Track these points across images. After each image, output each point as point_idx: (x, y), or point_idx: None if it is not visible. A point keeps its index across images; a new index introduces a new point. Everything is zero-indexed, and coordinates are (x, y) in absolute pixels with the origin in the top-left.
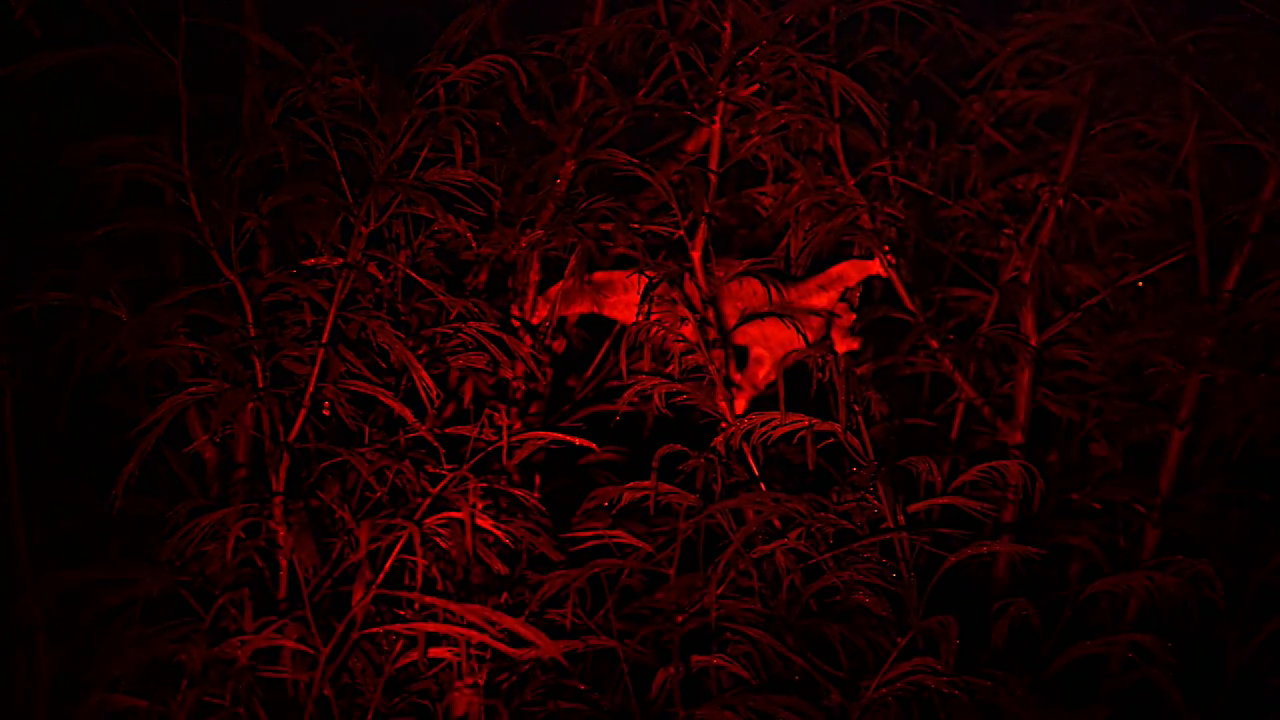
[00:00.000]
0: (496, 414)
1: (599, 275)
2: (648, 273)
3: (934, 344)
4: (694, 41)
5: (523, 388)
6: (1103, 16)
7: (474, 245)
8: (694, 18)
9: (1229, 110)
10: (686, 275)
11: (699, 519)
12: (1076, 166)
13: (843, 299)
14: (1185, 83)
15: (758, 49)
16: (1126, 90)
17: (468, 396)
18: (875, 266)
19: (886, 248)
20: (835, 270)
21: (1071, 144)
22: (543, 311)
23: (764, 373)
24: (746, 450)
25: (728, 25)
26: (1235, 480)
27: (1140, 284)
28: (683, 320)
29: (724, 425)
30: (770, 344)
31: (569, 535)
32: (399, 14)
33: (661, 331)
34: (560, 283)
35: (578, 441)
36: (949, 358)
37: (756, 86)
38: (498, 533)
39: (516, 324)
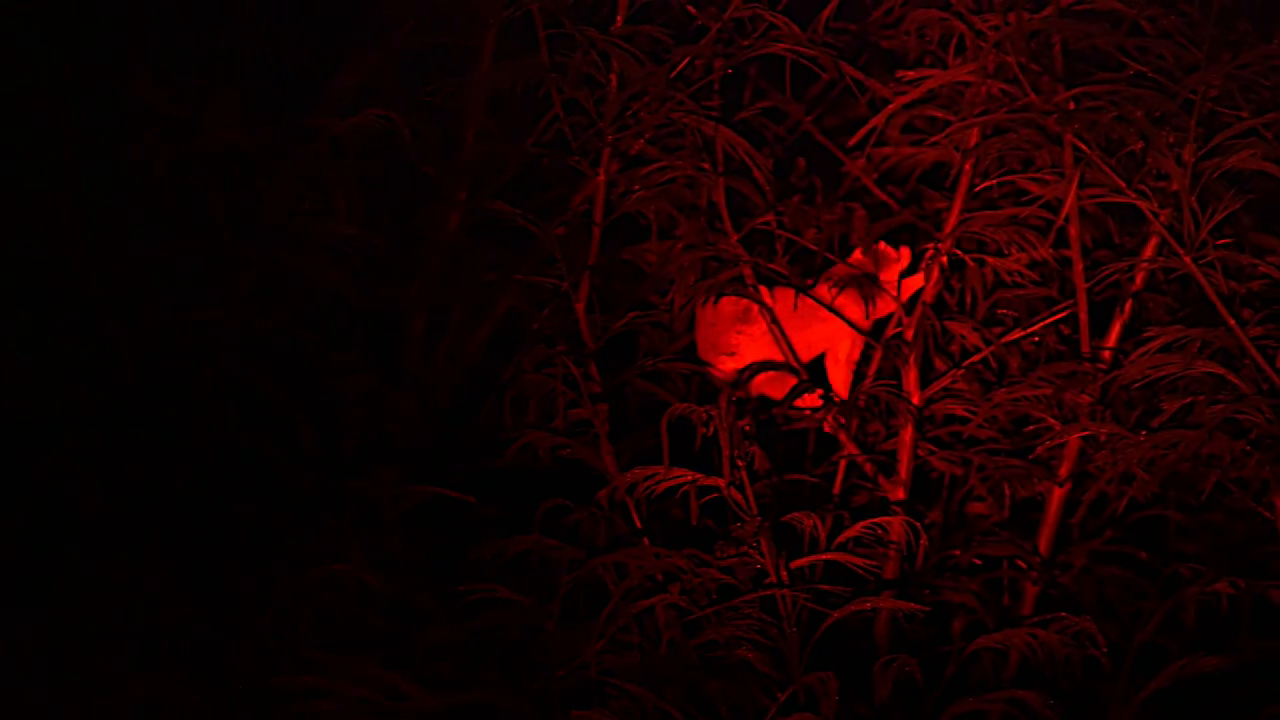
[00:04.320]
0: (380, 468)
1: None
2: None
3: (818, 399)
4: (583, 86)
5: (407, 441)
6: (985, 74)
7: (358, 299)
8: (580, 69)
9: (1111, 168)
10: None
11: (581, 573)
12: (960, 223)
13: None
14: (1067, 140)
15: (645, 100)
16: (1010, 148)
17: (351, 449)
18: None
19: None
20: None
21: (955, 201)
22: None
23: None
24: (630, 504)
25: (614, 77)
26: (1116, 538)
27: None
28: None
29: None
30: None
31: (452, 589)
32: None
33: (549, 384)
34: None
35: (460, 496)
36: (832, 413)
37: (643, 142)
38: (380, 587)
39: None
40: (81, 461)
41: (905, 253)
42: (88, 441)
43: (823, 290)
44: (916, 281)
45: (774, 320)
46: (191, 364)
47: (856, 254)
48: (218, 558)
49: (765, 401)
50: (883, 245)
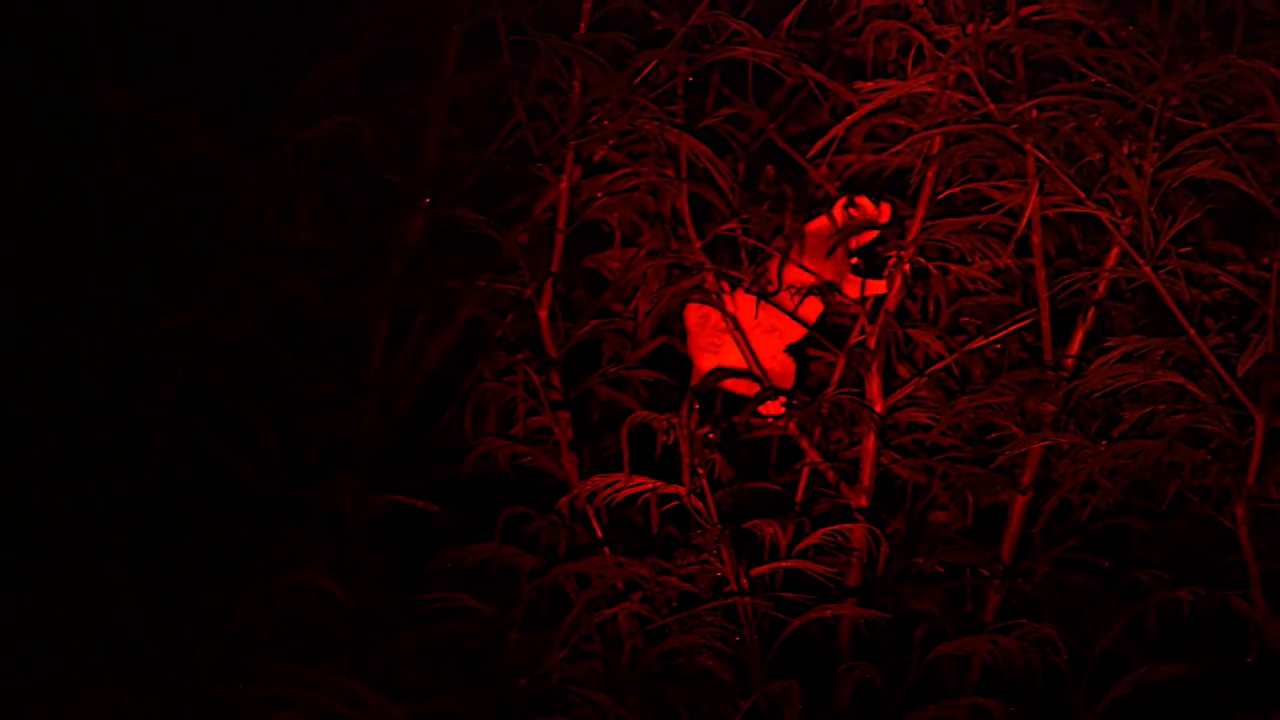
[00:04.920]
0: (342, 475)
1: None
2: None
3: (779, 407)
4: (546, 93)
5: (369, 448)
6: (945, 84)
7: (320, 306)
8: (543, 76)
9: (1072, 177)
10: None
11: (542, 581)
12: (923, 230)
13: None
14: (1028, 149)
15: (607, 106)
16: (972, 155)
17: (313, 457)
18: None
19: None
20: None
21: (918, 208)
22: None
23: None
24: (590, 512)
25: (576, 84)
26: (1078, 546)
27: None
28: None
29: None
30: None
31: (413, 597)
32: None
33: (510, 392)
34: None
35: (421, 504)
36: (794, 421)
37: (604, 150)
38: (341, 595)
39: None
40: (46, 467)
41: (886, 209)
42: (52, 447)
43: (785, 298)
44: (879, 288)
45: (737, 327)
46: (155, 370)
47: (837, 208)
48: (181, 564)
49: (728, 409)
50: (862, 199)
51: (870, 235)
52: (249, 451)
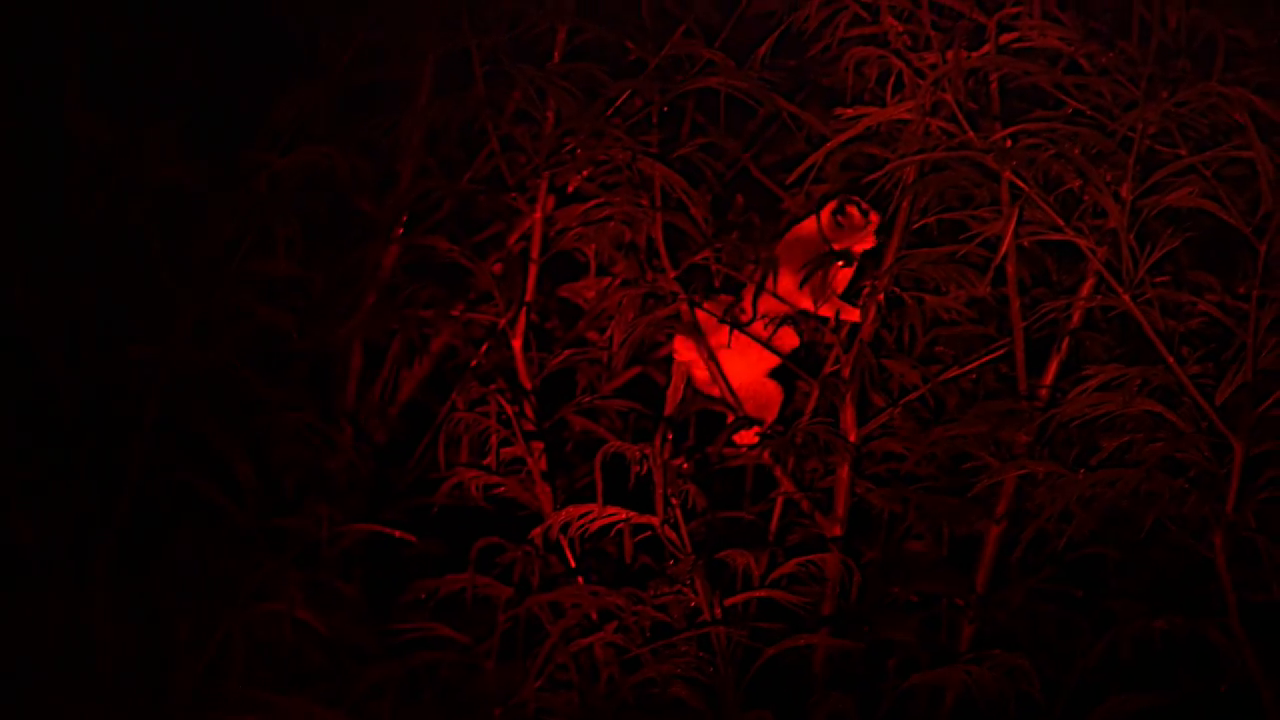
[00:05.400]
0: (317, 505)
1: None
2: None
3: (753, 436)
4: (520, 123)
5: (344, 478)
6: (923, 112)
7: (295, 335)
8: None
9: (1049, 206)
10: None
11: (517, 611)
12: (897, 260)
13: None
14: (1005, 178)
15: (581, 136)
16: (948, 185)
17: (289, 487)
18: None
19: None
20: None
21: (893, 238)
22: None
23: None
24: (565, 542)
25: (550, 114)
26: (1054, 576)
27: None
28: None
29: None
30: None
31: (388, 627)
32: None
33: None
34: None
35: (397, 534)
36: (768, 451)
37: (578, 180)
38: (317, 624)
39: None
40: (21, 496)
41: (875, 217)
42: (27, 476)
43: (758, 327)
44: (854, 316)
45: (711, 356)
46: (131, 400)
47: (825, 213)
48: (156, 594)
49: (702, 438)
50: (851, 208)
51: (861, 246)
52: (226, 481)
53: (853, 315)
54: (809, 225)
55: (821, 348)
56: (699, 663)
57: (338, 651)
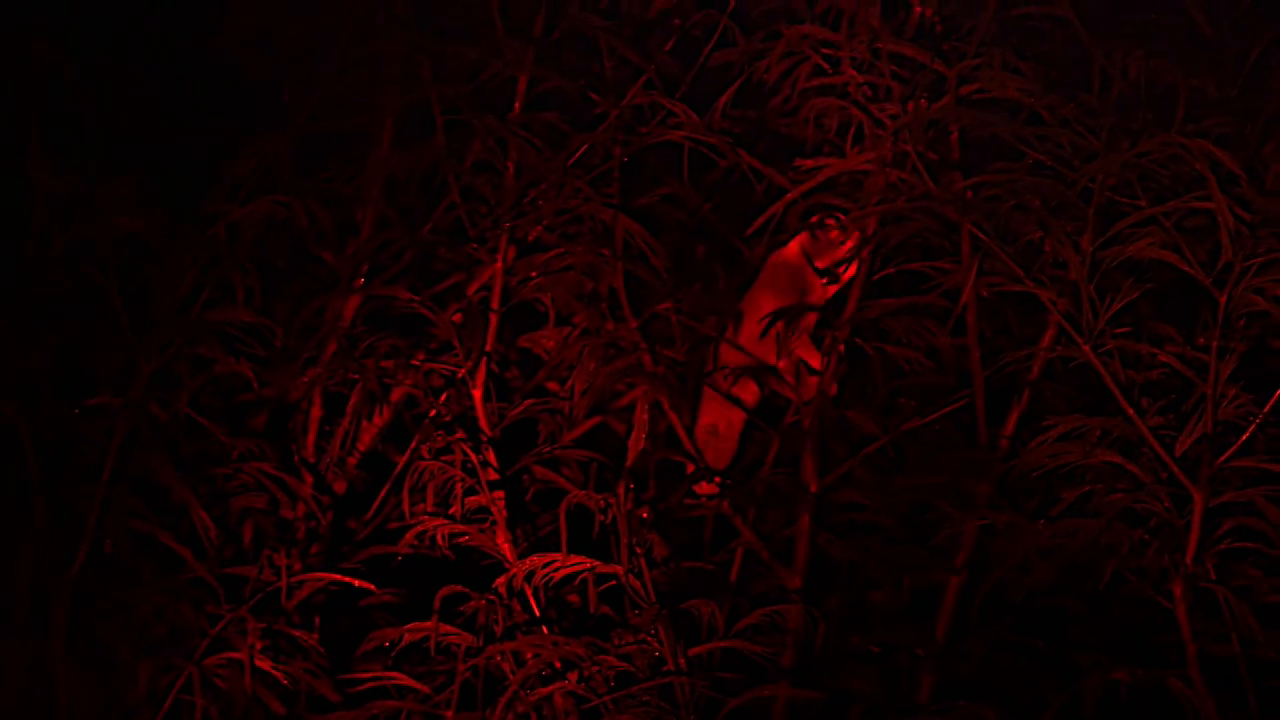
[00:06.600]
0: (276, 554)
1: None
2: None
3: (716, 487)
4: (481, 173)
5: (304, 528)
6: (883, 163)
7: (255, 385)
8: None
9: (1010, 257)
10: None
11: (478, 660)
12: (858, 310)
13: None
14: (965, 229)
15: (542, 186)
16: (908, 235)
17: (248, 536)
18: None
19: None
20: None
21: (853, 289)
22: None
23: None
24: (528, 591)
25: (511, 164)
26: (1015, 626)
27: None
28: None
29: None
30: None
31: (348, 676)
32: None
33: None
34: None
35: (357, 583)
36: (729, 501)
37: (539, 230)
38: (276, 674)
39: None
40: None
41: (855, 235)
42: None
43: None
44: (815, 361)
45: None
46: (90, 450)
47: (805, 235)
48: (115, 643)
49: (663, 489)
50: (831, 223)
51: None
52: (184, 530)
53: (813, 358)
54: (793, 248)
55: (781, 399)
56: (662, 713)
57: (297, 701)
